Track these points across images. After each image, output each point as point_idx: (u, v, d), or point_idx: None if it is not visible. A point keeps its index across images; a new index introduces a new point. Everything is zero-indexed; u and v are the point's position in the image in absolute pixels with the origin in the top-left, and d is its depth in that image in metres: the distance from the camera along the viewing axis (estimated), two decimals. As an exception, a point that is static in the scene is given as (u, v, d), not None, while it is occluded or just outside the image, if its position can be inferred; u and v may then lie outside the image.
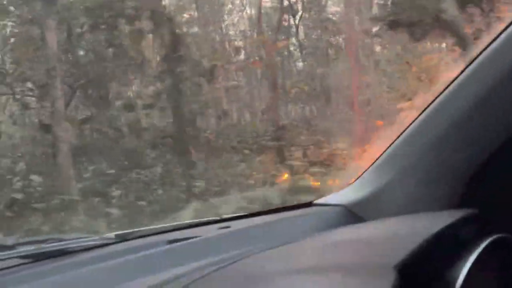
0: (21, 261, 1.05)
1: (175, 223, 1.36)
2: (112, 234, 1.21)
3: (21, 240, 1.14)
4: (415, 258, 0.88)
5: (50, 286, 1.00)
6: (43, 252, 1.09)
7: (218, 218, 1.30)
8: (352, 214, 1.22)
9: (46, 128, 7.93)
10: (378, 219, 1.19)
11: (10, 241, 1.13)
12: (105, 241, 1.16)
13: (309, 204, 1.31)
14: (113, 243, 1.16)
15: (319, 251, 1.08)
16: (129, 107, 8.20)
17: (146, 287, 0.96)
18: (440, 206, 1.17)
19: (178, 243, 1.16)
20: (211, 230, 1.22)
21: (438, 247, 0.94)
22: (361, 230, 1.18)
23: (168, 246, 1.15)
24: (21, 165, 7.45)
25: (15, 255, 1.06)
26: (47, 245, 1.12)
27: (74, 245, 1.13)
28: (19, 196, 6.60)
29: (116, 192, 6.83)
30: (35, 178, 7.04)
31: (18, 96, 8.25)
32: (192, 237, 1.18)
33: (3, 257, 1.04)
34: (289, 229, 1.22)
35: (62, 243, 1.14)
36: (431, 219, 1.12)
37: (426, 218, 1.15)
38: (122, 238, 1.19)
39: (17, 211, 6.31)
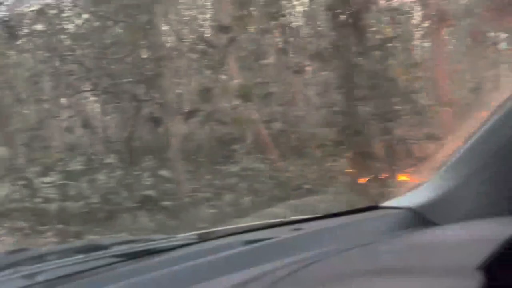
0: (115, 260, 1.18)
1: (250, 224, 1.45)
2: (193, 234, 1.32)
3: (114, 240, 1.29)
4: (491, 262, 0.89)
5: (140, 284, 1.10)
6: (134, 252, 1.22)
7: (290, 219, 1.37)
8: (421, 217, 1.24)
9: (157, 121, 7.63)
10: (449, 224, 1.20)
11: (105, 241, 1.27)
12: (187, 241, 1.27)
13: (375, 207, 1.35)
14: (195, 243, 1.27)
15: (394, 254, 1.11)
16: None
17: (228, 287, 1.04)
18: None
19: (255, 244, 1.24)
20: (285, 232, 1.29)
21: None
22: (433, 234, 1.19)
23: (245, 247, 1.23)
24: (149, 159, 6.95)
25: (109, 254, 1.19)
26: (138, 245, 1.25)
27: (161, 245, 1.25)
28: (151, 193, 6.26)
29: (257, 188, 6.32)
30: (165, 173, 6.63)
31: (125, 87, 7.89)
32: (267, 238, 1.26)
33: (98, 257, 1.18)
34: (358, 231, 1.26)
35: (150, 243, 1.27)
36: (504, 224, 1.12)
37: (498, 222, 1.14)
38: (202, 238, 1.30)
39: (150, 209, 6.02)
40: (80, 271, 1.12)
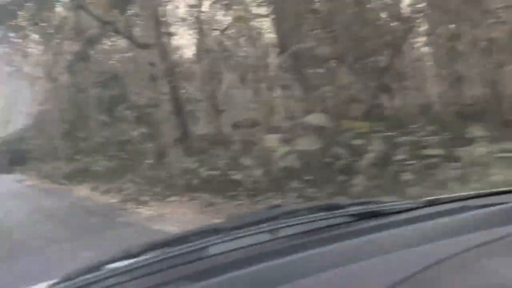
0: (350, 219, 1.36)
1: (476, 192, 1.49)
2: (421, 200, 1.43)
3: (351, 201, 1.47)
4: None
5: (371, 242, 1.22)
6: (366, 212, 1.38)
7: None
8: None
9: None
10: None
11: (343, 201, 1.46)
12: (415, 205, 1.39)
13: None
14: (422, 207, 1.39)
15: None
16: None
17: (456, 249, 1.09)
18: None
19: (481, 209, 1.30)
20: (510, 199, 1.32)
21: None
22: None
23: (472, 212, 1.30)
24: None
25: (345, 213, 1.39)
26: (369, 207, 1.42)
27: (390, 208, 1.40)
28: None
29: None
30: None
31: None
32: (495, 204, 1.31)
33: (337, 215, 1.38)
34: None
35: (380, 205, 1.42)
36: None
37: None
38: (430, 203, 1.40)
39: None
40: (321, 227, 1.32)
